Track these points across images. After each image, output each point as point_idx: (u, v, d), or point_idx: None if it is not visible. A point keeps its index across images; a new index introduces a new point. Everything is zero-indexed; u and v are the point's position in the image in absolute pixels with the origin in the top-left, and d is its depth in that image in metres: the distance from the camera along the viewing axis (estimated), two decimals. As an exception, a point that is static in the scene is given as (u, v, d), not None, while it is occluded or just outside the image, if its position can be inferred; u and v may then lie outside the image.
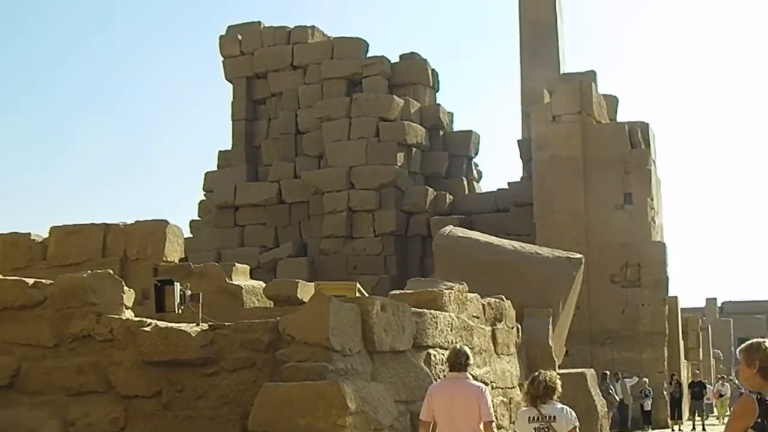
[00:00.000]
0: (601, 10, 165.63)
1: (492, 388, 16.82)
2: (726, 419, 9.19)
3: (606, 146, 41.84)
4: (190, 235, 50.95)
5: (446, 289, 17.55)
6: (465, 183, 51.77)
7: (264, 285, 23.32)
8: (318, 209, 48.95)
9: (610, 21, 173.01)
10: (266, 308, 20.76)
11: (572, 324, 25.90)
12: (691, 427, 41.97)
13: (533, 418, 11.65)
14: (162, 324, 13.90)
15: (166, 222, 24.90)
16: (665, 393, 41.27)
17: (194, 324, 14.16)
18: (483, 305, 18.83)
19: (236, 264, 24.01)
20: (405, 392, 14.25)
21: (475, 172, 54.12)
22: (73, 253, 24.25)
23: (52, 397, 13.96)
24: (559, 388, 11.87)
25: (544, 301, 22.45)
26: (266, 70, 53.34)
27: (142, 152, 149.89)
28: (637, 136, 42.47)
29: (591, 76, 47.06)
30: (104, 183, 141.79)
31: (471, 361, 12.77)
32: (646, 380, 39.84)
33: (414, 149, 50.04)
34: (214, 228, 51.73)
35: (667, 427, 40.98)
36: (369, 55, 52.43)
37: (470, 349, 13.73)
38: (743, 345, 9.05)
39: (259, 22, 54.68)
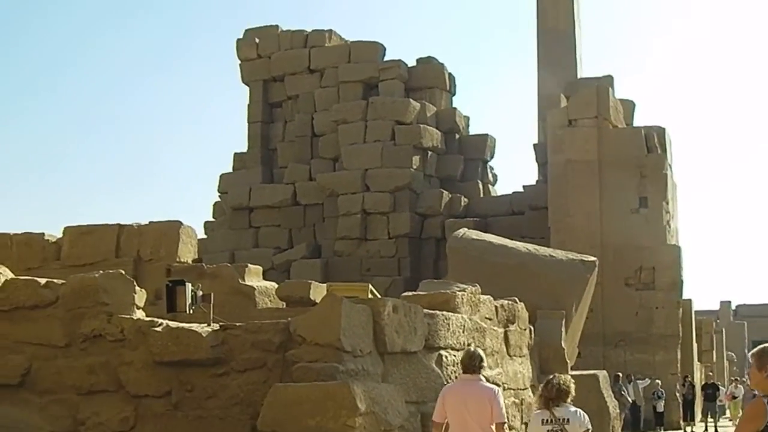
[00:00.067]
0: (619, 15, 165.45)
1: (504, 389, 16.76)
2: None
3: (622, 150, 41.80)
4: (205, 237, 51.07)
5: (459, 290, 17.49)
6: (480, 186, 51.78)
7: (277, 286, 23.29)
8: (332, 211, 49.00)
9: (627, 26, 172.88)
10: (278, 309, 20.73)
11: (585, 326, 25.82)
12: (704, 428, 41.94)
13: (546, 420, 11.68)
14: (173, 324, 13.89)
15: (179, 223, 24.94)
16: (678, 395, 41.22)
17: (205, 324, 14.15)
18: (496, 307, 18.78)
19: (249, 265, 23.98)
20: (416, 393, 14.21)
21: (490, 175, 54.13)
22: (86, 254, 24.30)
23: (62, 397, 13.96)
24: (573, 392, 11.91)
25: (557, 303, 22.36)
26: (283, 74, 53.39)
27: (158, 153, 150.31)
28: (654, 141, 42.43)
29: (608, 80, 47.12)
30: (119, 184, 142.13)
31: (485, 364, 12.77)
32: (659, 382, 39.85)
33: (429, 152, 50.05)
34: (228, 229, 51.82)
35: (680, 429, 40.95)
36: (386, 59, 52.47)
37: (483, 350, 13.71)
38: (755, 349, 9.04)
39: (277, 26, 54.77)
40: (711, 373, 49.95)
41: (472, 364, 12.50)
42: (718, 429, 41.44)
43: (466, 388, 12.37)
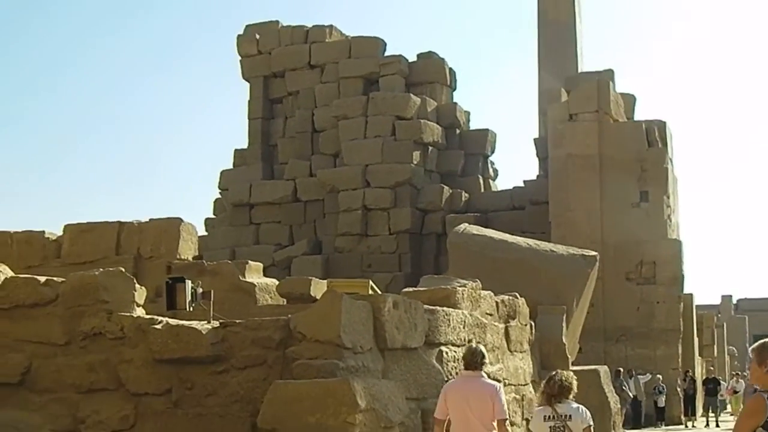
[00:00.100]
0: (619, 9, 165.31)
1: (505, 385, 16.76)
2: (739, 416, 9.22)
3: (623, 145, 41.77)
4: (206, 233, 51.09)
5: (459, 286, 17.48)
6: (481, 181, 51.74)
7: (277, 282, 23.29)
8: (333, 207, 48.99)
9: (628, 20, 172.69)
10: (279, 306, 20.76)
11: (586, 321, 25.83)
12: (705, 423, 41.87)
13: (549, 416, 11.68)
14: (173, 322, 13.88)
15: (180, 220, 24.94)
16: (679, 389, 41.22)
17: (205, 322, 14.14)
18: (496, 302, 18.77)
19: (249, 262, 24.00)
20: (416, 389, 14.20)
21: (491, 170, 54.10)
22: (87, 251, 24.30)
23: (62, 395, 13.94)
24: (575, 388, 11.92)
25: (558, 298, 22.36)
26: (283, 69, 53.37)
27: (159, 150, 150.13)
28: (654, 135, 42.42)
29: (609, 74, 47.07)
30: (120, 181, 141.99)
31: (487, 360, 12.74)
32: (660, 377, 39.86)
33: (430, 148, 50.02)
34: (229, 226, 51.84)
35: (681, 424, 40.94)
36: (386, 54, 52.44)
37: (483, 346, 13.70)
38: (755, 344, 9.03)
39: (277, 22, 54.73)
40: (712, 368, 49.88)
41: (473, 360, 12.49)
42: (719, 424, 41.38)
43: (467, 385, 12.36)
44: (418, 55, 53.18)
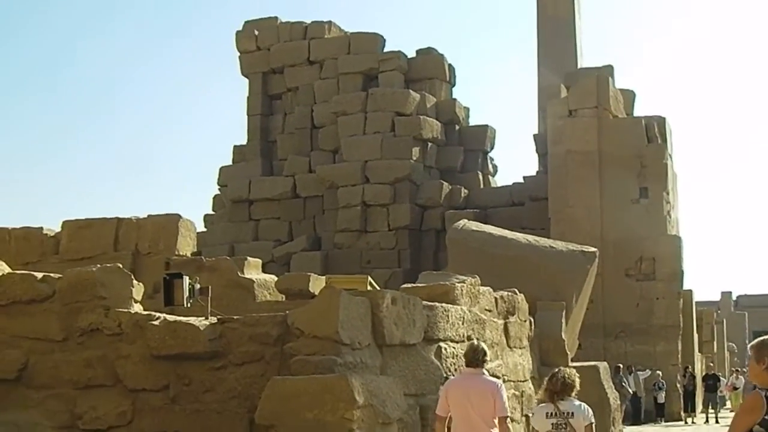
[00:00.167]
0: (619, 4, 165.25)
1: (504, 381, 16.71)
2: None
3: (622, 141, 41.74)
4: (205, 230, 51.09)
5: (458, 282, 17.43)
6: (480, 177, 51.73)
7: (276, 279, 23.23)
8: (332, 203, 48.98)
9: (627, 16, 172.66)
10: (277, 302, 20.65)
11: (586, 317, 25.79)
12: (705, 419, 41.86)
13: (551, 413, 11.70)
14: (170, 318, 13.85)
15: (178, 216, 24.86)
16: (679, 386, 41.20)
17: (203, 318, 14.10)
18: (495, 298, 18.72)
19: (248, 258, 23.91)
20: (415, 386, 14.16)
21: (490, 166, 54.09)
22: (85, 248, 24.22)
23: (59, 391, 13.91)
24: (578, 386, 11.94)
25: (557, 294, 22.32)
26: (282, 65, 53.38)
27: (158, 146, 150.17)
28: (654, 131, 42.39)
29: (608, 70, 47.01)
30: (118, 177, 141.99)
31: (488, 358, 12.74)
32: (660, 373, 39.87)
33: (429, 144, 50.01)
34: (228, 222, 51.83)
35: (680, 420, 40.93)
36: (385, 50, 52.45)
37: (482, 342, 13.67)
38: (754, 342, 9.03)
39: (276, 18, 54.72)
40: (712, 364, 49.93)
41: (475, 357, 12.49)
42: (719, 420, 41.35)
43: (469, 382, 12.35)
44: (418, 51, 53.19)
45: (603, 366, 23.37)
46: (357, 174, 48.26)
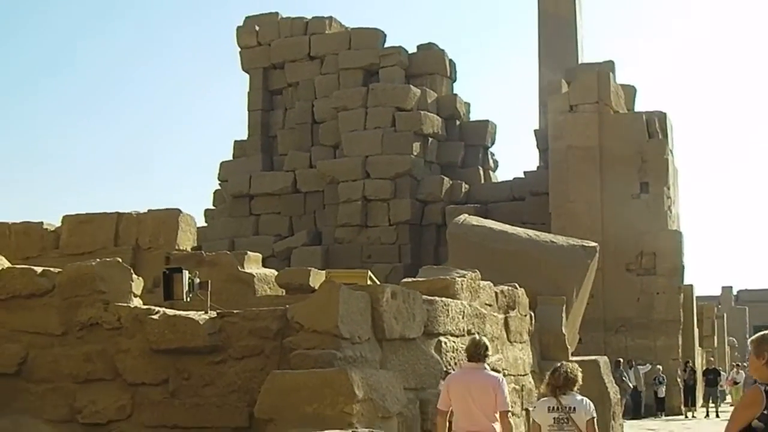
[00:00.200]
0: (619, 0, 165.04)
1: (504, 375, 16.70)
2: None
3: (623, 136, 41.73)
4: (205, 225, 51.09)
5: (458, 276, 17.42)
6: (481, 172, 51.68)
7: (276, 273, 23.23)
8: (333, 198, 48.95)
9: (628, 11, 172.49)
10: (277, 296, 20.69)
11: (586, 312, 25.77)
12: (705, 414, 41.86)
13: (553, 408, 11.70)
14: (170, 312, 13.84)
15: (178, 211, 24.85)
16: (679, 380, 41.22)
17: (202, 312, 14.09)
18: (496, 293, 18.71)
19: (248, 252, 23.91)
20: (415, 380, 14.15)
21: (491, 161, 54.05)
22: (85, 242, 24.22)
23: (59, 385, 13.92)
24: (580, 380, 11.93)
25: (557, 289, 22.29)
26: (283, 61, 53.32)
27: (158, 142, 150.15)
28: (655, 126, 42.37)
29: (609, 66, 47.00)
30: (119, 173, 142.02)
31: (490, 352, 12.74)
32: (660, 367, 39.91)
33: (430, 139, 49.98)
34: (229, 217, 51.81)
35: (681, 414, 40.94)
36: (386, 45, 52.37)
37: (483, 336, 13.66)
38: (754, 336, 9.06)
39: (277, 13, 54.66)
40: (712, 359, 49.87)
41: (477, 352, 12.49)
42: (719, 414, 41.32)
43: (470, 376, 12.36)
44: (418, 47, 53.13)
45: (603, 360, 23.35)
46: (357, 169, 48.23)
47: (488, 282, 18.48)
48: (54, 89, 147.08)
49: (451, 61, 53.67)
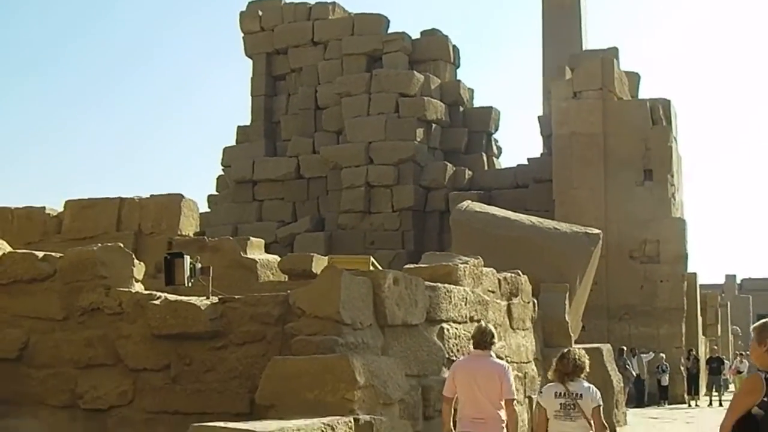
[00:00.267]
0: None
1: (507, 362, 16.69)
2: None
3: (627, 123, 41.60)
4: (209, 210, 51.03)
5: (461, 263, 17.39)
6: (484, 159, 51.56)
7: (279, 259, 23.17)
8: (336, 184, 48.87)
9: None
10: (279, 282, 20.60)
11: (590, 299, 25.77)
12: (708, 402, 41.81)
13: (560, 393, 11.68)
14: (171, 297, 13.81)
15: (181, 196, 24.79)
16: (682, 368, 41.17)
17: (204, 297, 14.05)
18: (499, 279, 18.69)
19: (251, 238, 23.83)
20: (417, 366, 14.12)
21: (494, 148, 53.93)
22: (87, 227, 24.16)
23: (60, 370, 13.91)
24: (587, 367, 11.91)
25: (561, 276, 22.29)
26: (286, 46, 53.19)
27: (161, 127, 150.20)
28: (659, 113, 42.24)
29: (613, 52, 46.80)
30: (122, 158, 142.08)
31: (496, 340, 12.71)
32: (663, 355, 39.84)
33: (433, 125, 49.87)
34: (232, 203, 51.73)
35: (684, 403, 40.88)
36: (390, 31, 52.20)
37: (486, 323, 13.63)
38: (756, 323, 9.05)
39: (280, -2, 54.50)
40: (716, 347, 49.90)
41: (483, 339, 12.48)
42: (723, 403, 41.26)
43: (476, 364, 12.33)
44: (422, 33, 53.00)
45: (606, 348, 23.36)
46: (361, 155, 48.16)
47: (491, 269, 18.46)
48: (58, 76, 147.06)
49: (454, 46, 53.56)
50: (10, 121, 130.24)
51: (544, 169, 44.59)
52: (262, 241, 24.61)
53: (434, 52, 52.18)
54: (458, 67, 54.02)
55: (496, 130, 53.94)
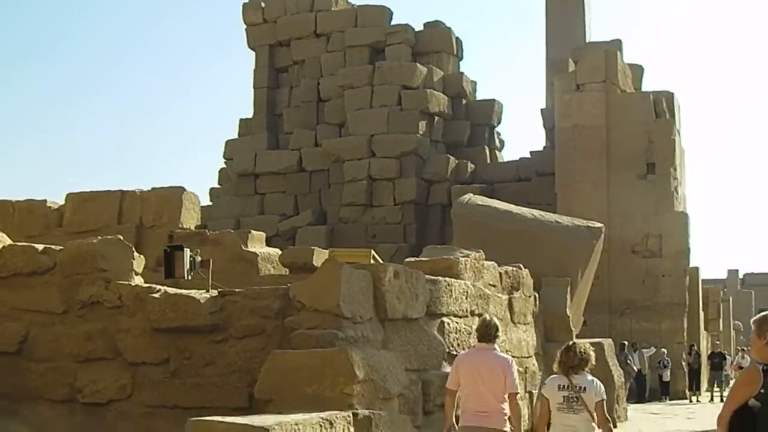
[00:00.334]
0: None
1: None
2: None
3: (630, 116, 41.49)
4: (210, 203, 50.98)
5: (462, 256, 17.35)
6: (487, 152, 51.46)
7: (280, 252, 23.15)
8: (338, 177, 48.79)
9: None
10: (280, 275, 20.61)
11: (591, 293, 25.69)
12: (710, 397, 41.72)
13: (563, 386, 11.63)
14: (171, 290, 13.80)
15: (182, 189, 24.75)
16: (684, 364, 41.10)
17: (204, 290, 14.02)
18: (500, 273, 18.64)
19: (252, 231, 23.84)
20: (417, 360, 14.08)
21: (497, 141, 53.83)
22: (89, 220, 24.12)
23: (60, 364, 13.90)
24: (593, 361, 11.88)
25: (562, 270, 22.24)
26: (289, 38, 53.10)
27: (163, 119, 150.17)
28: (662, 106, 42.13)
29: (616, 45, 46.68)
30: (124, 150, 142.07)
31: (500, 333, 12.65)
32: (665, 351, 39.76)
33: (436, 118, 49.77)
34: (234, 196, 51.68)
35: (685, 398, 40.80)
36: (393, 23, 52.08)
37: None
38: (756, 316, 9.09)
39: (282, -10, 54.39)
40: (718, 342, 49.74)
41: (487, 333, 12.41)
42: (724, 398, 41.19)
43: (480, 357, 12.28)
44: (425, 24, 52.88)
45: (608, 343, 23.33)
46: (363, 148, 48.08)
47: (492, 262, 18.41)
48: (58, 68, 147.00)
49: (457, 39, 53.45)
50: (11, 114, 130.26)
51: (547, 163, 44.49)
52: (263, 234, 24.60)
53: (437, 44, 52.07)
54: (461, 59, 53.92)
55: (499, 123, 53.85)
